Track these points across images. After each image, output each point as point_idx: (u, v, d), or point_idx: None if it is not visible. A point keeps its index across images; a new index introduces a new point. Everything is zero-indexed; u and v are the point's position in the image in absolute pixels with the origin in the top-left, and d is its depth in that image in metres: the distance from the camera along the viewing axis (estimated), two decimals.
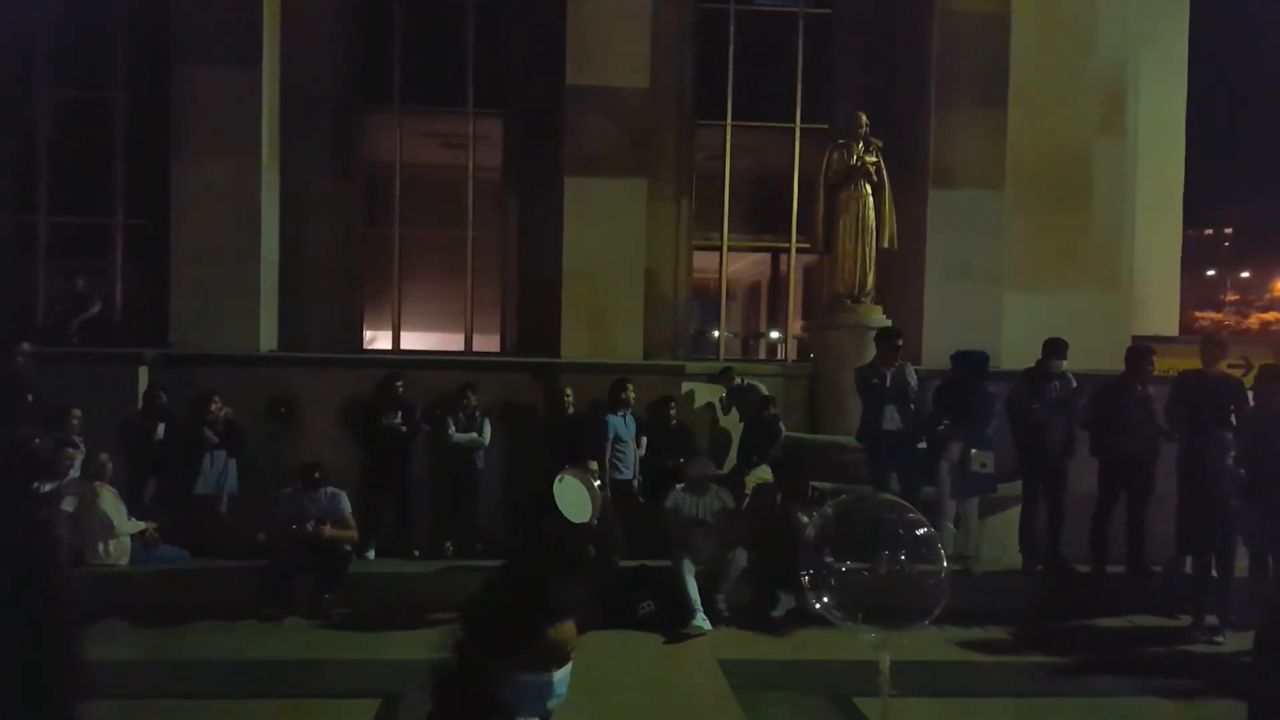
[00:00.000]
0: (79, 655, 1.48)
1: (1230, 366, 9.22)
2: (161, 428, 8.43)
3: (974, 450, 7.63)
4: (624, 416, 8.74)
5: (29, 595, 1.53)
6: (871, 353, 9.25)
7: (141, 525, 7.72)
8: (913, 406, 8.07)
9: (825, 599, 3.21)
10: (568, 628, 1.71)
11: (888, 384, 8.01)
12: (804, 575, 3.26)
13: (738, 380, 9.39)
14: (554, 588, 1.73)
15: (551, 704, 1.71)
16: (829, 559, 3.26)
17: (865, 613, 3.16)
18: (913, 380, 8.11)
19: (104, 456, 7.64)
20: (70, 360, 8.95)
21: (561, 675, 1.70)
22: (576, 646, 1.71)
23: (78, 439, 7.89)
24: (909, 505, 3.37)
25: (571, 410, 8.97)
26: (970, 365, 7.97)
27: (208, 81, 10.15)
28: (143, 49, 10.90)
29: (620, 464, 8.62)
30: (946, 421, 7.83)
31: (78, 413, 8.01)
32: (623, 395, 8.73)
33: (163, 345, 9.74)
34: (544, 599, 1.71)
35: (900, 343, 8.29)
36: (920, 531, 3.22)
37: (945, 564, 3.22)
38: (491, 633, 1.68)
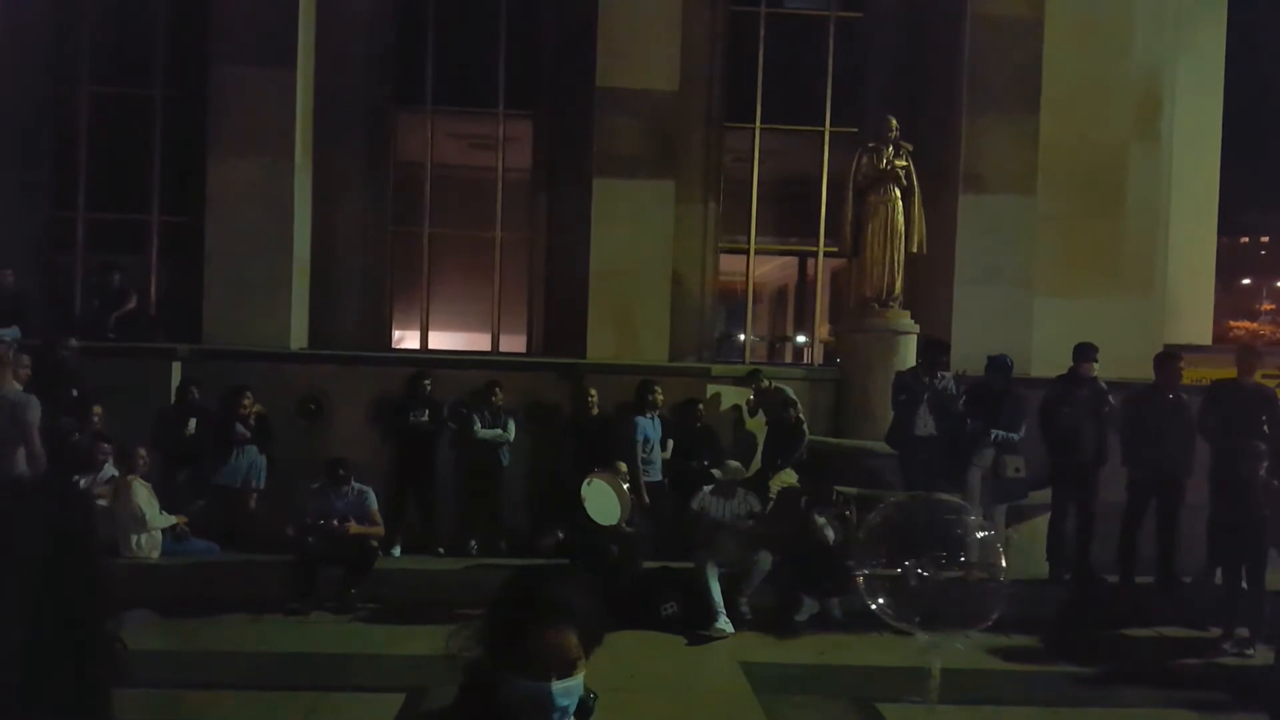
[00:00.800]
0: (116, 642, 1.52)
1: (1265, 377, 9.07)
2: (193, 422, 8.56)
3: (1007, 456, 7.56)
4: (651, 418, 8.75)
5: (70, 581, 1.58)
6: (899, 357, 9.25)
7: (173, 519, 7.85)
8: (952, 418, 7.98)
9: (880, 600, 3.18)
10: (565, 634, 1.59)
11: (926, 391, 7.93)
12: (858, 575, 3.24)
13: (765, 383, 9.38)
14: (552, 589, 1.63)
15: (556, 717, 1.59)
16: (885, 561, 3.24)
17: (919, 616, 3.12)
18: (953, 389, 8.02)
19: (141, 450, 7.76)
20: (106, 355, 9.11)
21: (563, 687, 1.58)
22: (585, 660, 1.61)
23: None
24: (969, 508, 3.33)
25: (596, 411, 9.00)
26: (1001, 372, 7.89)
27: (244, 80, 10.30)
28: (181, 47, 11.08)
29: (648, 466, 8.64)
30: (995, 432, 7.70)
31: (99, 409, 8.13)
32: (650, 397, 8.75)
33: (196, 340, 9.90)
34: (538, 599, 1.61)
35: (945, 358, 8.24)
36: (980, 536, 3.18)
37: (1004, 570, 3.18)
38: (493, 632, 1.62)
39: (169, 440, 8.46)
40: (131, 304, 10.30)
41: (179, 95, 11.13)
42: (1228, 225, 17.51)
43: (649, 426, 8.71)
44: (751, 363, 11.41)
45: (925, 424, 7.84)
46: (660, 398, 8.81)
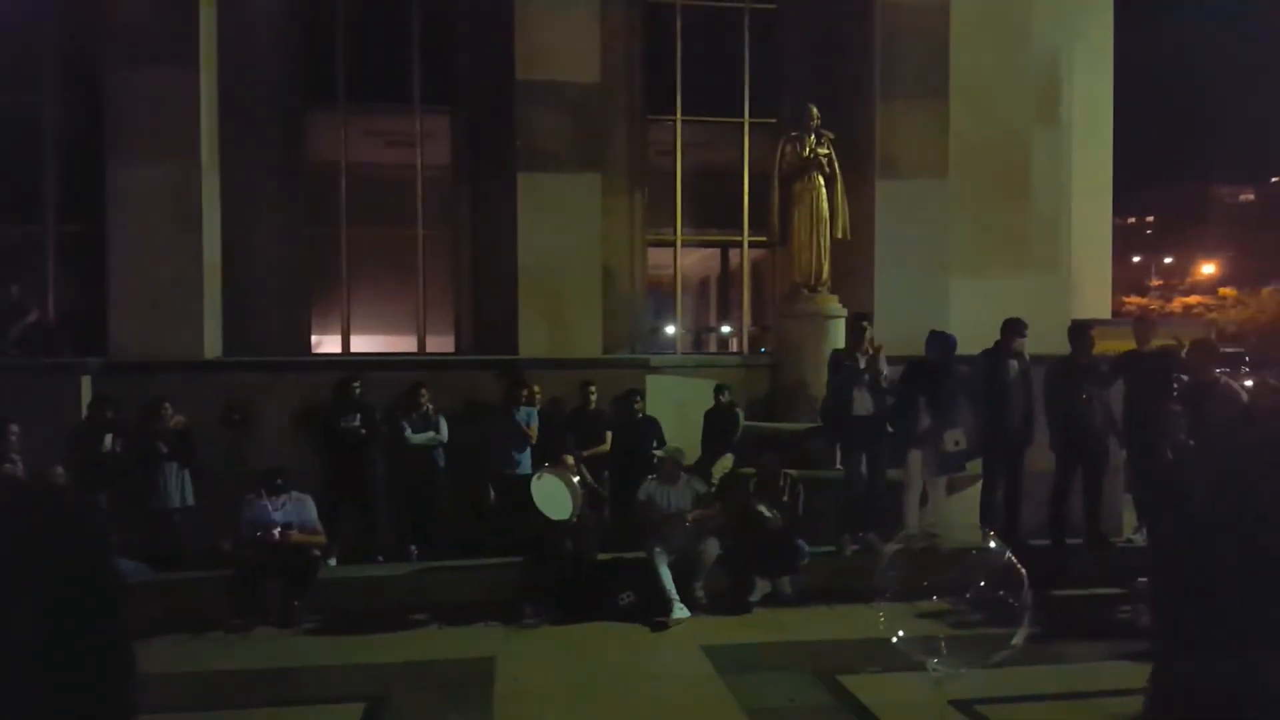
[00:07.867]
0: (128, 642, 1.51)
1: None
2: (109, 439, 8.12)
3: (947, 430, 7.77)
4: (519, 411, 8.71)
5: (86, 585, 1.55)
6: (829, 340, 9.43)
7: None
8: (886, 394, 8.08)
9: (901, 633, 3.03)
10: None
11: (861, 368, 8.01)
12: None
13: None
14: None
15: None
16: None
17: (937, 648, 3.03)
18: (884, 368, 8.12)
19: (59, 469, 7.32)
20: (8, 372, 8.58)
21: None
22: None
23: (16, 456, 7.51)
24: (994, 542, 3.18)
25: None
26: (942, 347, 8.05)
27: (143, 81, 9.81)
28: (73, 48, 10.51)
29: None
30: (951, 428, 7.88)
31: (15, 428, 7.64)
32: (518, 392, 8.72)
33: (104, 353, 9.40)
34: None
35: (866, 324, 8.32)
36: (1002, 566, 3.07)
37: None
38: None
39: (84, 459, 8.00)
40: (33, 318, 9.74)
41: (72, 99, 10.55)
42: (1119, 206, 18.44)
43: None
44: (682, 353, 11.49)
45: (862, 403, 7.96)
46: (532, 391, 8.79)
